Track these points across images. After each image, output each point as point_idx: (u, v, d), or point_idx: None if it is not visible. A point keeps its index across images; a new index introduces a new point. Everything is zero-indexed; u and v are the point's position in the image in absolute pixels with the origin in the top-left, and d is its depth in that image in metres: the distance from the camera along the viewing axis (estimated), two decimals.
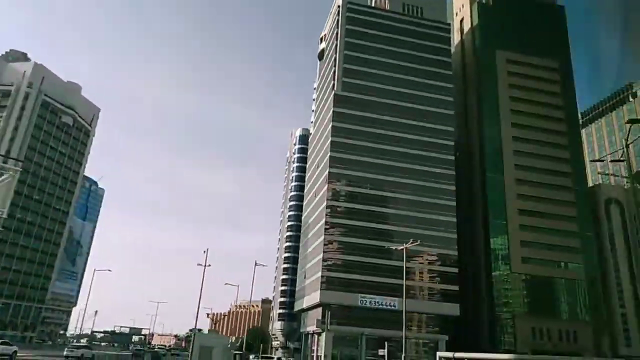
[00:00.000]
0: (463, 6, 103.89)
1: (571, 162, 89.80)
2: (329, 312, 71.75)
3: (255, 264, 67.92)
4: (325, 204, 78.37)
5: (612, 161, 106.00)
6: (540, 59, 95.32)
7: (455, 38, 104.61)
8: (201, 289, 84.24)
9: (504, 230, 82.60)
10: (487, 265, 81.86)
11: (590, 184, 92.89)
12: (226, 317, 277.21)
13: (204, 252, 55.63)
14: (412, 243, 52.60)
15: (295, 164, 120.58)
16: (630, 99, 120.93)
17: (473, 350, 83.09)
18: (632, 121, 21.29)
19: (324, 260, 74.57)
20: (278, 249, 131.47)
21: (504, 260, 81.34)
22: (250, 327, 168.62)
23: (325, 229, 76.71)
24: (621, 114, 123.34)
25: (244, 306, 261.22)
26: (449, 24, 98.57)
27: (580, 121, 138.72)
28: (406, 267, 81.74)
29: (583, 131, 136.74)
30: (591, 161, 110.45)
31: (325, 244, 75.69)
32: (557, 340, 78.62)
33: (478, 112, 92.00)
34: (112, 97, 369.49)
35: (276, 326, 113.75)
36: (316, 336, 77.65)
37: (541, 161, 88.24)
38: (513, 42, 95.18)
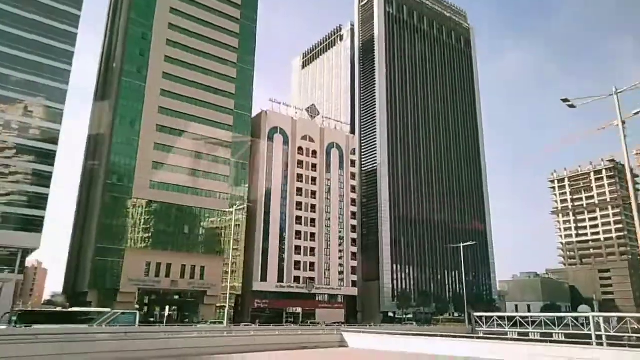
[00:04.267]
0: None
1: (237, 82, 79.53)
2: None
3: None
4: None
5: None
6: None
7: None
8: None
9: (133, 146, 67.43)
10: (104, 188, 65.79)
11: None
12: None
13: None
14: None
15: None
16: (339, 41, 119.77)
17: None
18: None
19: None
20: None
21: (125, 183, 66.33)
22: None
23: None
24: (331, 56, 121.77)
25: None
26: None
27: (301, 61, 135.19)
28: None
29: (303, 71, 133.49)
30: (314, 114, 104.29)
31: None
32: (179, 277, 68.34)
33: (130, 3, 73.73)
34: None
35: None
36: None
37: (200, 75, 75.57)
38: None
